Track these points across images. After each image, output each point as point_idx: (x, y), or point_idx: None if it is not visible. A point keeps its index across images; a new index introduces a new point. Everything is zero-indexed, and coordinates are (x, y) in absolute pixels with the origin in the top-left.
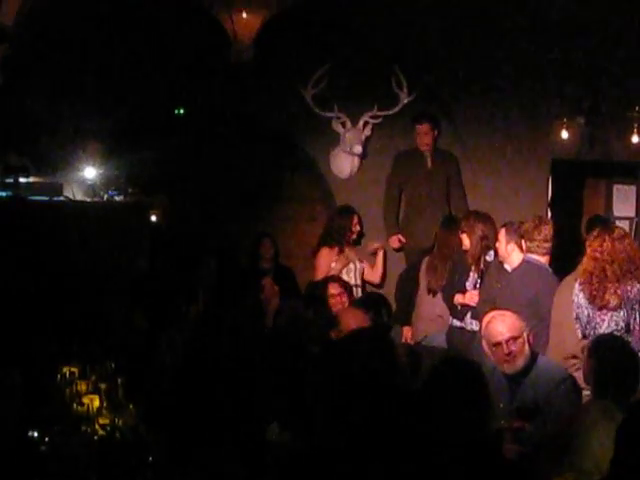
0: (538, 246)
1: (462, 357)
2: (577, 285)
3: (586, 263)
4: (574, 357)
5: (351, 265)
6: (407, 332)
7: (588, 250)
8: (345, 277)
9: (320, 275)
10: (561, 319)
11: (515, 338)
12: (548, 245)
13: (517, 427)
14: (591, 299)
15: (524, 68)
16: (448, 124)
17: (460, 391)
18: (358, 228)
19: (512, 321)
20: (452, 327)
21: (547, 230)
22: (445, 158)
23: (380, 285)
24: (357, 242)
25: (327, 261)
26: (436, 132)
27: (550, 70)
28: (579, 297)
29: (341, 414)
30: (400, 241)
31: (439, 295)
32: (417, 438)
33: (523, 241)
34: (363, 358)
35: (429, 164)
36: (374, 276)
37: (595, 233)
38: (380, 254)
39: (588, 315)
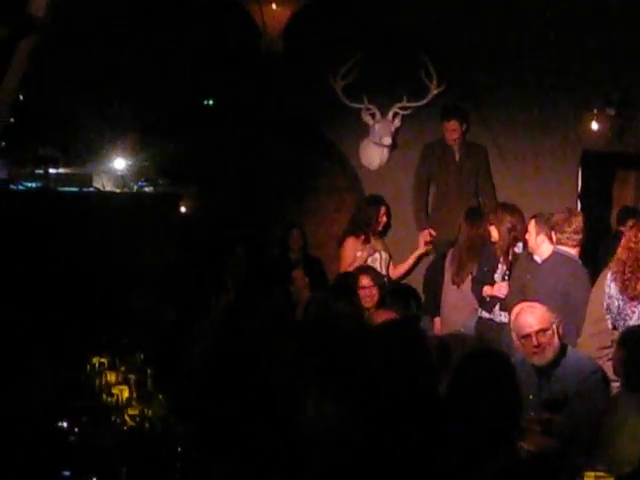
0: (568, 238)
1: (491, 349)
2: (609, 275)
3: (620, 252)
4: (606, 347)
5: (377, 255)
6: (438, 323)
7: (623, 240)
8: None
9: (345, 265)
10: (598, 313)
11: (544, 330)
12: (578, 237)
13: (546, 419)
14: (623, 289)
15: (555, 58)
16: (477, 115)
17: (489, 384)
18: (385, 219)
19: (541, 313)
20: (481, 319)
21: (578, 222)
22: (474, 150)
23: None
24: (383, 233)
25: (353, 251)
26: (464, 126)
27: (581, 60)
28: (611, 287)
29: (370, 406)
30: (430, 235)
31: (463, 286)
32: (446, 430)
33: (553, 233)
34: (393, 351)
35: (458, 156)
36: (395, 271)
37: (630, 223)
38: (415, 255)
39: (619, 306)
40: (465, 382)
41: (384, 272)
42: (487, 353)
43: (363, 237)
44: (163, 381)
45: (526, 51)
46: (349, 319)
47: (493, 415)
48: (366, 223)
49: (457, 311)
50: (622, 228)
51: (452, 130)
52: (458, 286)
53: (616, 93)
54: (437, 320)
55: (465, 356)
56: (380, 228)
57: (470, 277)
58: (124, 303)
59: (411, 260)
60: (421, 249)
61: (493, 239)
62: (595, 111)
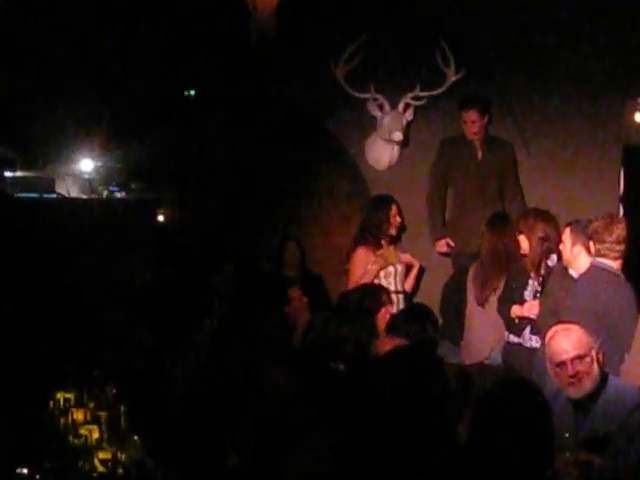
0: (609, 248)
1: (520, 379)
2: None
3: None
4: None
5: (390, 268)
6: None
7: None
8: (384, 282)
9: (355, 280)
10: None
11: (582, 357)
12: (621, 248)
13: (585, 461)
14: None
15: (592, 40)
16: (502, 107)
17: (517, 419)
18: (399, 220)
19: (578, 337)
20: (508, 343)
21: (620, 230)
22: (498, 146)
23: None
24: (397, 239)
25: (363, 263)
26: (486, 118)
27: (622, 42)
28: None
29: (375, 445)
30: (448, 245)
31: (487, 306)
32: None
33: (591, 243)
34: (405, 383)
35: (479, 154)
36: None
37: None
38: (414, 270)
39: None
40: (489, 419)
41: (399, 287)
42: (515, 384)
43: (375, 246)
44: (139, 419)
45: (558, 33)
46: (354, 346)
47: (522, 457)
48: (376, 227)
49: (482, 336)
50: None
51: (471, 122)
52: (482, 306)
53: None
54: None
55: (489, 388)
56: (394, 232)
57: (495, 296)
58: (93, 328)
59: (412, 277)
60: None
61: (523, 251)
62: (639, 101)
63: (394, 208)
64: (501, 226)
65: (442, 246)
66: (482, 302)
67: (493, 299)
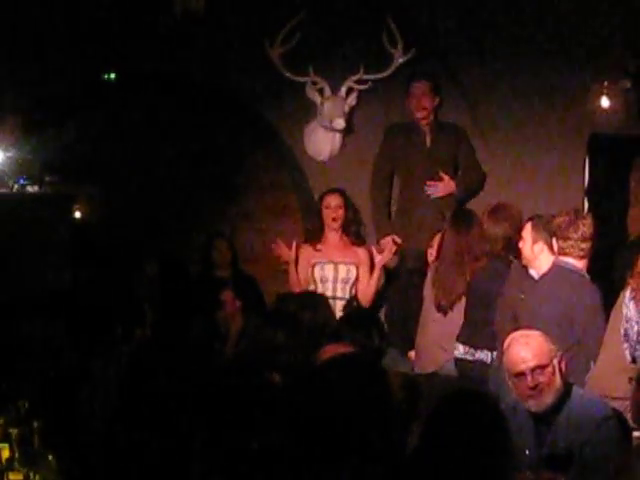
0: (573, 246)
1: (474, 391)
2: (628, 293)
3: None
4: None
5: (328, 267)
6: (412, 356)
7: None
8: (320, 286)
9: (295, 282)
10: (617, 342)
11: (543, 367)
12: (586, 245)
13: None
14: None
15: (555, 18)
16: (455, 90)
17: (471, 436)
18: (341, 212)
19: (539, 344)
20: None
21: (586, 226)
22: (450, 133)
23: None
24: (357, 235)
25: (305, 264)
26: (437, 100)
27: (588, 21)
28: (630, 308)
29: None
30: (395, 243)
31: (452, 313)
32: None
33: (554, 240)
34: (340, 390)
35: (429, 140)
36: (365, 291)
37: None
38: (379, 268)
39: (638, 332)
40: (438, 432)
41: (340, 293)
42: (467, 395)
43: (315, 243)
44: (54, 437)
45: (517, 12)
46: (290, 354)
47: (476, 476)
48: (314, 222)
49: (440, 344)
50: None
51: (421, 94)
52: (445, 314)
53: (632, 61)
54: (412, 354)
55: (440, 400)
56: (338, 223)
57: (461, 302)
58: (2, 336)
59: (376, 275)
60: (385, 257)
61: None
62: (606, 84)
63: (334, 198)
64: (466, 224)
65: (387, 244)
66: (445, 308)
67: (458, 305)
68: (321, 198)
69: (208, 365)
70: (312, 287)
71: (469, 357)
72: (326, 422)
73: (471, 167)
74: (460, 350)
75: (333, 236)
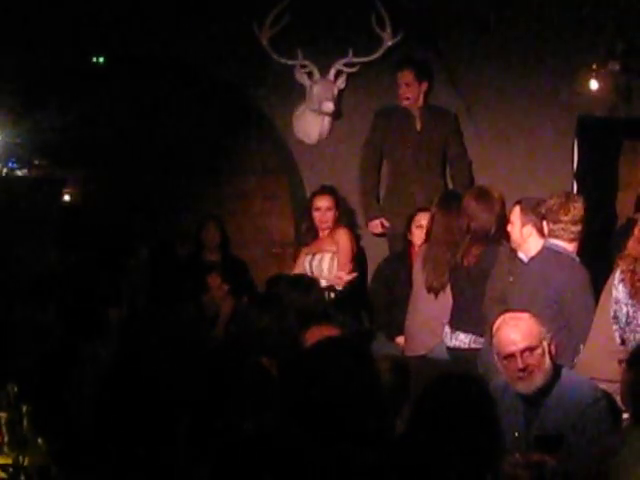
0: (564, 229)
1: (462, 373)
2: (617, 275)
3: (632, 247)
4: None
5: (321, 256)
6: (401, 342)
7: (636, 231)
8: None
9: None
10: (607, 324)
11: (532, 348)
12: (577, 228)
13: (537, 462)
14: (633, 293)
15: (541, 1)
16: (444, 74)
17: (459, 418)
18: (330, 214)
19: (528, 326)
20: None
21: (577, 209)
22: (439, 116)
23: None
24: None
25: (300, 263)
26: (424, 85)
27: (574, 4)
28: (619, 290)
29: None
30: (383, 226)
31: (443, 295)
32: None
33: (545, 223)
34: (329, 376)
35: (418, 124)
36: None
37: None
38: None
39: (628, 314)
40: (427, 415)
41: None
42: (456, 378)
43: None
44: (43, 421)
45: None
46: (277, 337)
47: (465, 458)
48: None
49: (431, 327)
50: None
51: (405, 85)
52: (436, 295)
53: (620, 42)
54: (400, 339)
55: (429, 383)
56: (326, 227)
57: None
58: None
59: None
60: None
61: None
62: (594, 66)
63: (315, 202)
64: (455, 206)
65: (376, 227)
66: (437, 290)
67: (449, 287)
68: (311, 198)
69: (197, 349)
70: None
71: (477, 345)
72: (314, 406)
73: (461, 155)
74: (462, 339)
75: (324, 233)
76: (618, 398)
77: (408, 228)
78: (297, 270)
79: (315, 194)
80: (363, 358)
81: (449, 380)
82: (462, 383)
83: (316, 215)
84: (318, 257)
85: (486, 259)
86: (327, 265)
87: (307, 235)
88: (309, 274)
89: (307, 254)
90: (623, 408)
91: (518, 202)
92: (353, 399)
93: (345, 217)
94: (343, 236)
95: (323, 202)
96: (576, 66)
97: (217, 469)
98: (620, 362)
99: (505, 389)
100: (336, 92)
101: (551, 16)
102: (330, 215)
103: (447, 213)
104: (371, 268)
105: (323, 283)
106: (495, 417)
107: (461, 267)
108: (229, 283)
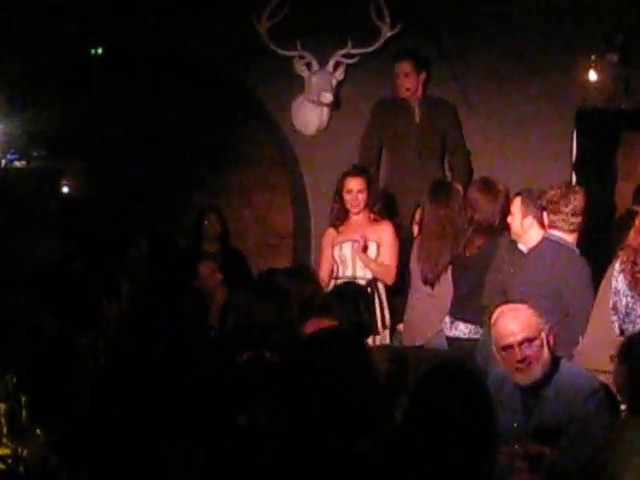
0: (564, 220)
1: (460, 364)
2: (617, 266)
3: (632, 238)
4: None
5: (346, 246)
6: (401, 330)
7: (636, 222)
8: (340, 267)
9: (319, 262)
10: (606, 315)
11: (531, 339)
12: (577, 220)
13: (535, 453)
14: (633, 283)
15: None
16: (443, 65)
17: (456, 409)
18: (362, 197)
19: (527, 317)
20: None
21: (577, 200)
22: (438, 107)
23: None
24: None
25: (329, 247)
26: (423, 75)
27: None
28: (618, 281)
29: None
30: None
31: (439, 285)
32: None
33: (545, 214)
34: (326, 368)
35: (418, 115)
36: (385, 268)
37: None
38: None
39: (627, 305)
40: (423, 405)
41: (367, 274)
42: (452, 368)
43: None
44: (42, 411)
45: None
46: (278, 331)
47: (462, 450)
48: (333, 206)
49: (429, 317)
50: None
51: (404, 75)
52: (432, 286)
53: (619, 34)
54: (400, 327)
55: (424, 374)
56: (357, 206)
57: (447, 273)
58: None
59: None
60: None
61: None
62: (593, 57)
63: (348, 180)
64: (444, 195)
65: None
66: (432, 281)
67: (445, 277)
68: (342, 179)
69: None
70: (334, 268)
71: (477, 336)
72: (311, 397)
73: (460, 146)
74: (462, 329)
75: (355, 216)
76: None
77: (411, 223)
78: (326, 252)
79: (346, 175)
80: (358, 349)
81: (444, 370)
82: (457, 373)
83: (347, 198)
84: (355, 245)
85: (488, 250)
86: (374, 254)
87: (338, 218)
88: (337, 261)
89: (342, 241)
90: (621, 399)
91: (519, 193)
92: (349, 390)
93: (376, 200)
94: (388, 230)
95: (355, 184)
96: (575, 57)
97: (211, 461)
98: (612, 358)
99: (504, 380)
100: (335, 83)
101: (551, 8)
102: (362, 197)
103: (436, 203)
104: None
105: (361, 274)
106: (491, 407)
107: (463, 257)
108: (226, 274)
